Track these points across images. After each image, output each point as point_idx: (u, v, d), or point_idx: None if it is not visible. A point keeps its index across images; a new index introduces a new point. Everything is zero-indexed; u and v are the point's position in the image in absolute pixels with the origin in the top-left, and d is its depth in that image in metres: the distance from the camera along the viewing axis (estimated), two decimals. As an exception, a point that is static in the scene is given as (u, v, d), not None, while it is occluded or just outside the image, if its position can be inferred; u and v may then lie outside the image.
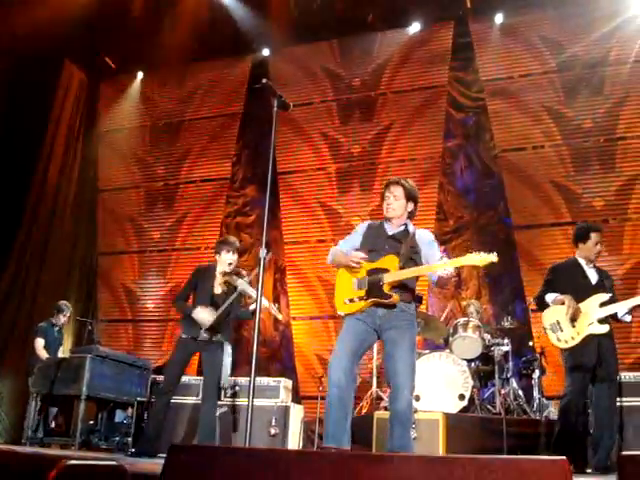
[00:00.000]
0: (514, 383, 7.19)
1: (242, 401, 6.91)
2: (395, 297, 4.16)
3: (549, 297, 5.40)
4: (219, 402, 6.05)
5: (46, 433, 7.63)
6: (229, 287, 5.92)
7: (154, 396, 6.53)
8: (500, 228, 9.19)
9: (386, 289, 4.16)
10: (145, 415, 7.43)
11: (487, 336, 7.25)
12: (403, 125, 9.88)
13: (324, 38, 10.53)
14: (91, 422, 7.94)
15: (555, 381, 7.54)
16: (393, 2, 10.03)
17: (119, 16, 9.96)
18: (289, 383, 7.56)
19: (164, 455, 2.33)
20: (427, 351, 7.21)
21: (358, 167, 9.94)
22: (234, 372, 6.27)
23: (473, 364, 7.12)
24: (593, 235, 5.49)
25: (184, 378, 6.56)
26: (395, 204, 4.43)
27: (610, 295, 5.29)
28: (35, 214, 10.81)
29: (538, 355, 7.26)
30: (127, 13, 10.01)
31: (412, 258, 4.29)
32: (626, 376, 6.07)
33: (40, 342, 8.15)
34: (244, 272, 6.05)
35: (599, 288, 5.35)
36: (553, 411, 6.90)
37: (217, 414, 5.95)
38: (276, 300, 9.83)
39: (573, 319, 5.20)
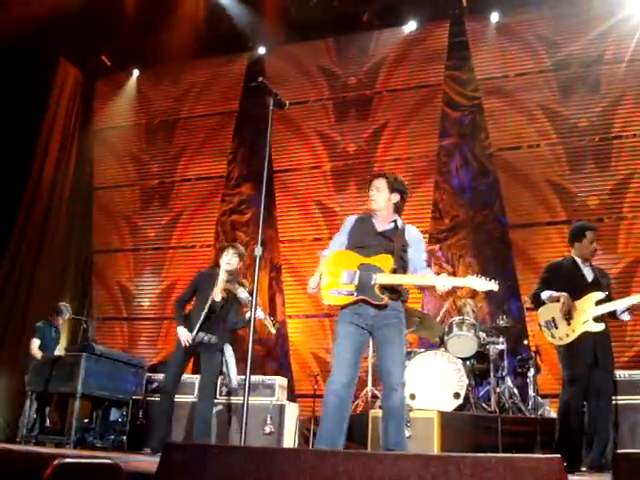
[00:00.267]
0: (509, 381, 7.19)
1: (237, 399, 6.90)
2: (385, 300, 4.14)
3: (544, 294, 5.41)
4: (215, 400, 6.07)
5: (41, 431, 7.61)
6: (229, 294, 5.95)
7: (159, 395, 6.52)
8: (495, 227, 9.20)
9: (377, 290, 4.13)
10: (140, 413, 7.43)
11: (482, 334, 7.26)
12: (399, 124, 9.88)
13: (320, 36, 10.52)
14: (86, 420, 7.93)
15: (550, 379, 7.56)
16: (389, 1, 10.03)
17: (115, 14, 9.92)
18: (284, 381, 7.56)
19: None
20: (422, 350, 7.22)
21: (354, 165, 9.93)
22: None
23: (468, 362, 7.12)
24: (588, 234, 5.51)
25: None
26: (377, 196, 4.38)
27: (606, 293, 5.31)
28: (30, 212, 10.77)
29: (533, 353, 7.27)
30: (122, 11, 9.98)
31: (402, 257, 4.28)
32: (621, 374, 6.09)
33: (35, 342, 8.12)
34: (246, 282, 6.08)
35: (595, 286, 5.36)
36: (548, 409, 6.92)
37: (213, 412, 5.98)
38: (272, 300, 9.85)
39: (568, 316, 5.21)
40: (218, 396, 7.01)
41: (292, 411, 7.25)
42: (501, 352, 7.18)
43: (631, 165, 8.61)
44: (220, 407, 6.94)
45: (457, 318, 7.38)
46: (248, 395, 3.81)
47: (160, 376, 7.81)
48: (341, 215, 9.57)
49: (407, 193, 4.49)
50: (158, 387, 7.58)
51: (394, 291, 4.22)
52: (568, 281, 5.38)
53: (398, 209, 4.45)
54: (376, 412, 6.20)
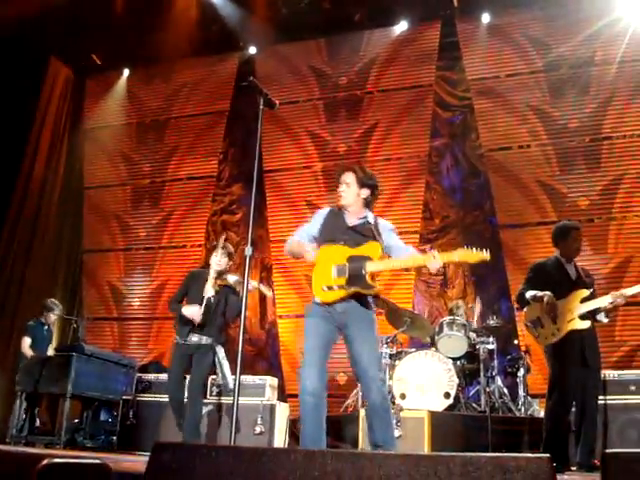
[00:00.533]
0: (499, 381, 7.21)
1: (228, 399, 6.89)
2: (378, 287, 4.10)
3: (529, 294, 5.39)
4: (205, 400, 6.07)
5: (31, 432, 7.58)
6: (221, 289, 5.98)
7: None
8: (486, 227, 9.22)
9: (368, 278, 4.07)
10: (130, 413, 7.41)
11: (472, 334, 7.28)
12: (389, 124, 9.89)
13: (311, 36, 10.51)
14: (76, 421, 7.91)
15: (540, 379, 7.58)
16: (380, 1, 10.03)
17: (105, 13, 9.89)
18: (275, 381, 7.56)
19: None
20: (413, 349, 7.23)
21: (345, 166, 9.91)
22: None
23: (459, 362, 7.13)
24: (572, 233, 5.51)
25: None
26: (346, 191, 4.32)
27: (591, 291, 5.32)
28: (20, 211, 10.73)
29: (523, 353, 7.31)
30: (113, 10, 9.94)
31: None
32: (610, 374, 6.12)
33: (27, 341, 8.09)
34: (236, 274, 6.12)
35: (579, 285, 5.36)
36: (538, 409, 6.94)
37: (203, 412, 5.98)
38: (262, 300, 9.85)
39: (553, 315, 5.22)
40: (209, 396, 7.01)
41: (283, 411, 7.25)
42: (491, 352, 7.19)
43: (621, 166, 8.65)
44: (210, 407, 6.94)
45: (447, 318, 7.41)
46: (238, 395, 3.81)
47: (151, 376, 7.81)
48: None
49: (378, 187, 4.43)
50: (148, 387, 7.58)
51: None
52: (552, 280, 5.36)
53: (368, 204, 4.39)
54: (366, 412, 6.21)
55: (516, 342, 7.83)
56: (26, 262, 10.62)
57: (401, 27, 10.13)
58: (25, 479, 1.78)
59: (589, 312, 5.24)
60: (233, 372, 5.56)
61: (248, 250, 4.09)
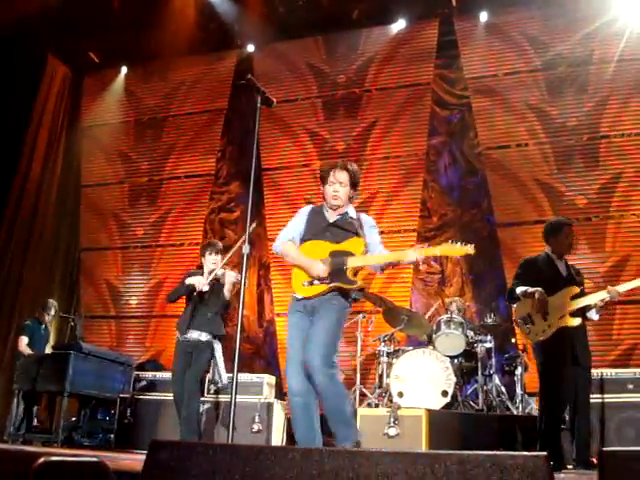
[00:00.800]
0: (497, 379, 7.21)
1: (225, 398, 6.89)
2: (360, 283, 4.08)
3: (519, 290, 5.34)
4: (203, 399, 6.06)
5: (28, 430, 7.59)
6: (215, 283, 6.01)
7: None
8: (484, 225, 9.22)
9: (349, 274, 4.06)
10: (128, 412, 7.40)
11: (470, 333, 7.28)
12: (388, 122, 9.89)
13: (309, 34, 10.51)
14: (74, 419, 7.91)
15: (537, 378, 7.57)
16: (378, -1, 10.04)
17: (103, 10, 9.88)
18: (272, 379, 7.56)
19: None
20: (410, 348, 7.23)
21: (343, 164, 9.90)
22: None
23: (456, 361, 7.13)
24: (564, 229, 5.47)
25: (168, 374, 6.59)
26: (342, 191, 4.28)
27: (581, 288, 5.30)
28: (17, 210, 10.72)
29: (521, 352, 7.31)
30: (111, 7, 9.93)
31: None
32: (608, 373, 6.12)
33: (24, 340, 8.09)
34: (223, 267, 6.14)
35: (570, 281, 5.34)
36: (535, 407, 6.94)
37: (200, 410, 5.97)
38: (260, 299, 9.85)
39: (544, 312, 5.19)
40: (206, 394, 7.01)
41: (280, 409, 7.25)
42: (489, 350, 7.20)
43: (619, 164, 8.66)
44: (208, 405, 6.94)
45: (445, 316, 7.41)
46: (236, 393, 3.80)
47: (148, 374, 7.80)
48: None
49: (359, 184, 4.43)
50: (146, 385, 7.58)
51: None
52: (543, 277, 5.33)
53: (350, 199, 4.38)
54: (364, 410, 6.22)
55: (514, 340, 7.83)
56: (23, 261, 10.61)
57: (399, 25, 10.12)
58: (22, 477, 1.77)
59: (580, 309, 5.22)
60: (230, 370, 5.55)
61: (246, 248, 4.09)
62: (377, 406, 6.86)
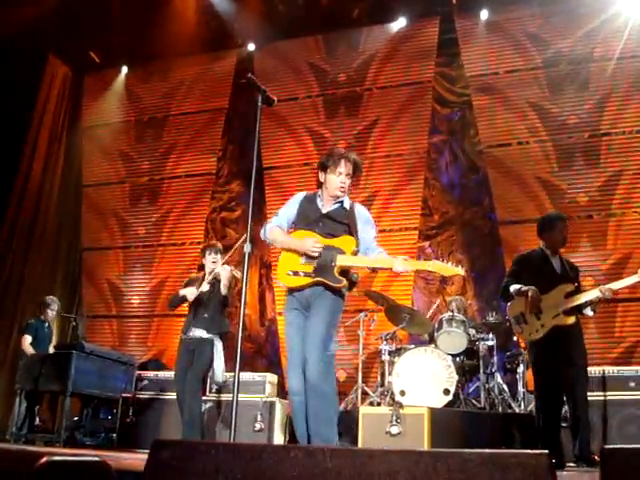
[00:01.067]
0: (499, 378, 7.21)
1: (227, 396, 6.89)
2: (344, 282, 4.03)
3: (513, 288, 5.31)
4: (205, 398, 6.07)
5: (31, 430, 7.59)
6: (216, 283, 6.07)
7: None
8: (485, 223, 9.22)
9: (336, 272, 4.01)
10: (130, 411, 7.41)
11: (472, 331, 7.28)
12: (388, 120, 9.88)
13: (309, 33, 10.50)
14: (76, 418, 7.91)
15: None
16: (378, -3, 10.04)
17: (103, 10, 9.88)
18: (274, 378, 7.57)
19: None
20: (412, 346, 7.24)
21: (344, 163, 9.90)
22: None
23: (458, 359, 7.13)
24: (558, 224, 5.44)
25: (171, 373, 6.59)
26: (347, 183, 4.24)
27: (575, 285, 5.26)
28: (19, 210, 10.73)
29: (522, 350, 7.30)
30: (111, 7, 9.93)
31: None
32: (610, 370, 6.12)
33: (27, 339, 8.09)
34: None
35: (564, 278, 5.29)
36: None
37: (202, 409, 5.98)
38: (262, 297, 9.85)
39: (537, 312, 5.16)
40: (208, 393, 7.01)
41: (282, 408, 7.25)
42: (491, 348, 7.20)
43: (620, 162, 8.64)
44: (210, 404, 6.94)
45: (447, 314, 7.41)
46: (238, 392, 3.80)
47: (150, 374, 7.81)
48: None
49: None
50: (148, 385, 7.58)
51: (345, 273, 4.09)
52: (537, 273, 5.29)
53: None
54: (366, 409, 6.22)
55: (515, 338, 7.82)
56: (25, 261, 10.62)
57: (400, 24, 10.11)
58: (24, 477, 1.77)
59: (574, 306, 5.18)
60: (231, 369, 5.56)
61: (247, 247, 4.08)
62: (379, 404, 6.86)
